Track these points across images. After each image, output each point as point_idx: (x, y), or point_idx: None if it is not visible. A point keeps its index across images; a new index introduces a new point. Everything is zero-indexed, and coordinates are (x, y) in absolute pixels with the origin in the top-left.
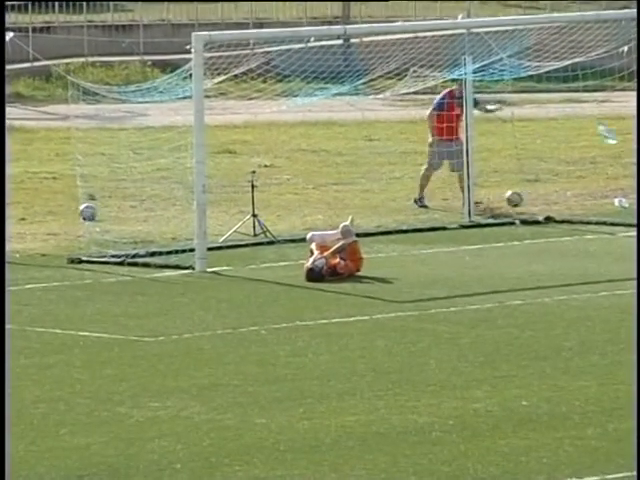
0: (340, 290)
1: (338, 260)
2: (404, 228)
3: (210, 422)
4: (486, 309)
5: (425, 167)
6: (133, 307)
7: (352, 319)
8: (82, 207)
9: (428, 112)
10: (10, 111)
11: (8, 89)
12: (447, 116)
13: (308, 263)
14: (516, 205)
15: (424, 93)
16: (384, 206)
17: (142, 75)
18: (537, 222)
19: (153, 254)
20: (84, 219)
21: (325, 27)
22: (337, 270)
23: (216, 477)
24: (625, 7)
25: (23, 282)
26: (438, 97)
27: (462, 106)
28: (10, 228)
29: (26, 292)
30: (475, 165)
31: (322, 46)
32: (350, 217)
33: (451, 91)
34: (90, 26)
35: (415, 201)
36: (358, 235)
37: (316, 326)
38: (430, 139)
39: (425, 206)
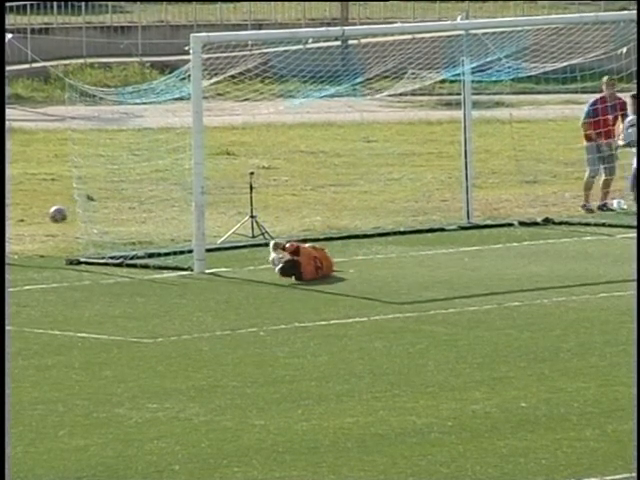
0: (338, 291)
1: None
2: (402, 229)
3: (208, 423)
4: (484, 310)
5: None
6: (132, 308)
7: (350, 320)
8: (52, 209)
9: (581, 121)
10: (9, 112)
11: (7, 90)
12: (603, 121)
13: (275, 269)
14: None
15: (422, 94)
16: (382, 207)
17: (141, 76)
18: (535, 223)
19: (152, 255)
20: (56, 221)
21: (323, 28)
22: (289, 246)
23: (214, 478)
24: (624, 8)
25: (22, 283)
26: (588, 104)
27: (614, 112)
28: (9, 229)
29: (25, 293)
30: (473, 166)
31: (320, 47)
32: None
33: (602, 97)
34: (88, 27)
35: (582, 206)
36: (357, 237)
37: (314, 327)
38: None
39: (590, 210)
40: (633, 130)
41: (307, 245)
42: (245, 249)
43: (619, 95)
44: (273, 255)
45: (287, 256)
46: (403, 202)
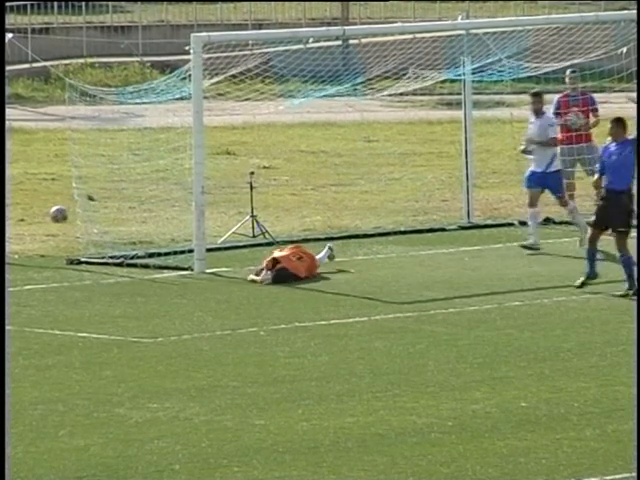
0: (339, 291)
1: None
2: (403, 229)
3: (209, 423)
4: (485, 310)
5: None
6: (132, 308)
7: (351, 320)
8: (53, 209)
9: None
10: (9, 112)
11: (7, 90)
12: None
13: (268, 279)
14: None
15: (422, 94)
16: (383, 207)
17: (141, 76)
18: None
19: (152, 255)
20: (57, 221)
21: (324, 28)
22: (266, 264)
23: (215, 478)
24: (624, 8)
25: (22, 283)
26: (552, 106)
27: (581, 104)
28: (9, 229)
29: (25, 293)
30: (474, 166)
31: (321, 47)
32: (327, 246)
33: (565, 95)
34: (89, 27)
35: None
36: (357, 236)
37: (315, 327)
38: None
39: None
40: (533, 132)
41: (277, 252)
42: (245, 249)
43: (585, 90)
44: (262, 275)
45: (269, 274)
46: (403, 202)
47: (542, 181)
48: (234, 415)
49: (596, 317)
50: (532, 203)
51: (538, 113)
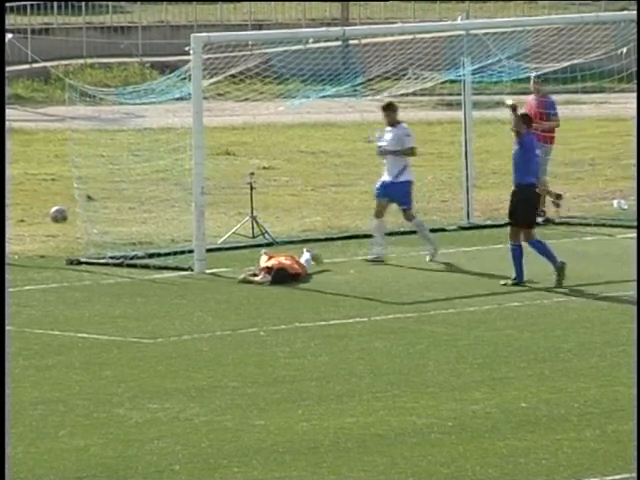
0: (339, 292)
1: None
2: (403, 230)
3: (209, 423)
4: (485, 311)
5: None
6: (132, 309)
7: (351, 321)
8: (53, 210)
9: None
10: (9, 113)
11: (7, 91)
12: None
13: (268, 280)
14: None
15: (422, 95)
16: None
17: (141, 77)
18: (536, 223)
19: (152, 256)
20: (57, 221)
21: (324, 28)
22: (260, 269)
23: (215, 478)
24: (624, 8)
25: (22, 283)
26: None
27: (545, 104)
28: (9, 230)
29: (25, 293)
30: (474, 166)
31: (320, 47)
32: (304, 249)
33: (531, 99)
34: (89, 28)
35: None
36: (357, 237)
37: (315, 328)
38: None
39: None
40: (388, 142)
41: (266, 263)
42: (245, 249)
43: (547, 94)
44: (260, 277)
45: (268, 276)
46: None
47: (389, 190)
48: (234, 415)
49: (596, 317)
50: (379, 214)
51: (393, 124)
